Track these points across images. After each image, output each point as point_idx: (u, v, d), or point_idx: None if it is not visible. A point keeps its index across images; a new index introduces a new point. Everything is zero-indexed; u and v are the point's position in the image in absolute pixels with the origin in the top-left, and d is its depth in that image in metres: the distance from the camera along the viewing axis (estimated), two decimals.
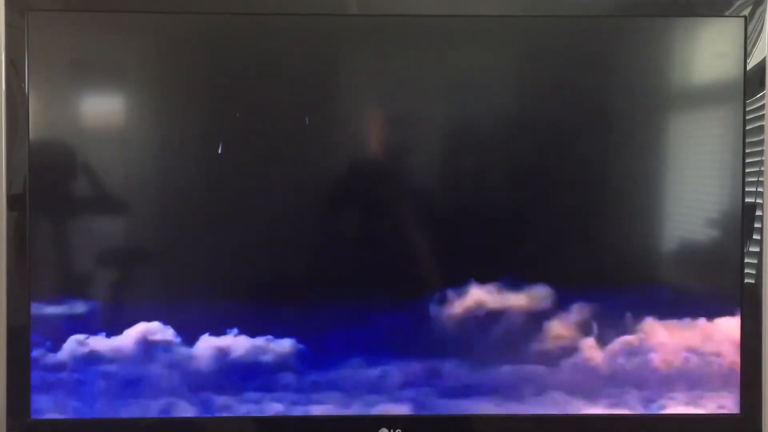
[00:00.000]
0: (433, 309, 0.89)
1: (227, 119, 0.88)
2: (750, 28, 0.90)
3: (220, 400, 0.88)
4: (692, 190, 0.91)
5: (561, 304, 0.90)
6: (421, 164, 0.91)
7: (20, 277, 0.87)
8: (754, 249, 0.91)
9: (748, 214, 0.90)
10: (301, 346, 0.88)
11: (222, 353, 0.88)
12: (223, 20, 0.88)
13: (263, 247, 0.90)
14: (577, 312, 0.90)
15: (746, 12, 0.90)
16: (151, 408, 0.87)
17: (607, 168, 0.91)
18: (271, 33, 0.89)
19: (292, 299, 0.89)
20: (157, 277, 0.90)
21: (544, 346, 0.89)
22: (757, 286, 0.91)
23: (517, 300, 0.89)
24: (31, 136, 0.87)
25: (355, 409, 0.89)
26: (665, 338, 0.90)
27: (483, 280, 0.89)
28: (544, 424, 0.90)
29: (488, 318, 0.89)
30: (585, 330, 0.90)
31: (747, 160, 0.90)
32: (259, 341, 0.88)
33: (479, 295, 0.89)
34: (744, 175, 0.90)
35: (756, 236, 0.91)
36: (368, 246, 0.91)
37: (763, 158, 0.91)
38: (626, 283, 0.91)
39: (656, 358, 0.91)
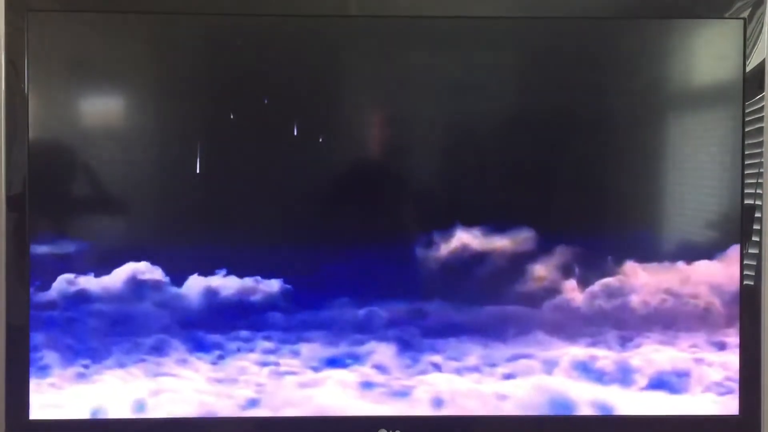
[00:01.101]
0: (419, 251, 0.90)
1: (226, 119, 0.88)
2: (749, 30, 0.89)
3: (211, 338, 0.90)
4: (692, 192, 0.91)
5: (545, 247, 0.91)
6: (415, 127, 0.92)
7: (20, 277, 0.88)
8: (753, 251, 0.91)
9: (747, 215, 0.90)
10: (289, 286, 0.89)
11: (211, 293, 0.89)
12: (223, 21, 0.88)
13: (252, 189, 0.90)
14: (560, 255, 0.91)
15: (745, 14, 0.89)
16: (143, 345, 0.89)
17: (607, 167, 0.91)
18: (272, 34, 0.88)
19: (280, 240, 0.90)
20: (146, 219, 0.91)
21: (527, 288, 0.91)
22: (757, 287, 0.91)
23: (502, 243, 0.90)
24: (31, 136, 0.87)
25: (342, 348, 0.91)
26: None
27: (468, 223, 0.90)
28: (544, 424, 0.92)
29: (473, 260, 0.90)
30: (567, 272, 0.91)
31: (746, 162, 0.90)
32: (248, 281, 0.89)
33: (464, 238, 0.90)
34: (743, 176, 0.90)
35: (755, 238, 0.91)
36: (355, 189, 0.91)
37: (762, 160, 0.90)
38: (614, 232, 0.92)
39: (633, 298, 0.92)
